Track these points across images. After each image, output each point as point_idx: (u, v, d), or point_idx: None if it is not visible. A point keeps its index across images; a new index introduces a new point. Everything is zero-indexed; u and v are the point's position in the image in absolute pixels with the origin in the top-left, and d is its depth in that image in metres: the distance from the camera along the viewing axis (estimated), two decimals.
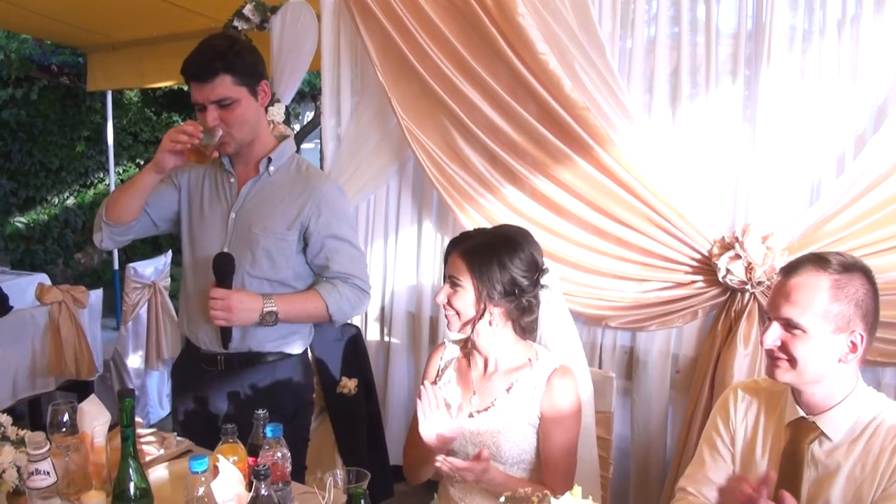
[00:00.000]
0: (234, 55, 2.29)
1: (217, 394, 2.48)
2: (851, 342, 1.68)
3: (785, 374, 1.73)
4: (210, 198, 2.50)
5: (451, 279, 2.13)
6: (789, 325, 1.70)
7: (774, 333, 1.72)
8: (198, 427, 2.44)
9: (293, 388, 2.53)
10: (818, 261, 1.71)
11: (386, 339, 3.78)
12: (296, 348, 2.54)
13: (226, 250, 2.38)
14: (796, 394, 1.78)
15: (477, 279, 2.07)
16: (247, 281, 2.39)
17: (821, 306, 1.66)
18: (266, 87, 2.41)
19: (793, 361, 1.70)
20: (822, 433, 1.74)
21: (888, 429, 1.67)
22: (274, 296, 2.35)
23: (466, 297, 2.10)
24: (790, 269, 1.75)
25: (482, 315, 2.10)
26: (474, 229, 2.29)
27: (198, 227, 2.50)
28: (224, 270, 2.28)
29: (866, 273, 1.71)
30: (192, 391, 2.54)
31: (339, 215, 2.47)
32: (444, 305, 2.15)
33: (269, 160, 2.43)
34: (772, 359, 1.75)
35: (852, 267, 1.70)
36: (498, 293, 2.07)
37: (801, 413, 1.77)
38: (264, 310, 2.31)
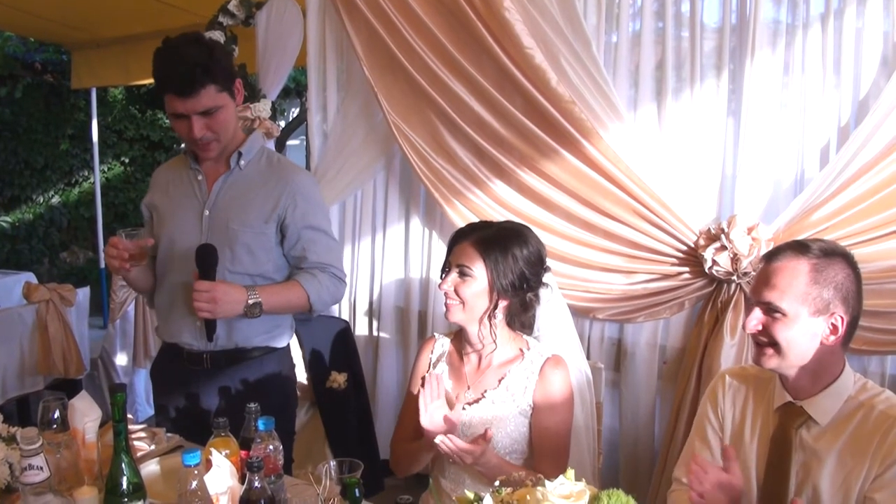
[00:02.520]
0: (214, 63, 2.25)
1: (203, 392, 2.47)
2: (832, 324, 1.71)
3: (770, 361, 1.76)
4: (180, 197, 2.48)
5: (460, 268, 2.13)
6: (770, 309, 1.73)
7: (756, 317, 1.76)
8: (185, 426, 2.43)
9: (279, 383, 2.53)
10: (798, 247, 1.76)
11: (375, 333, 3.78)
12: (280, 342, 2.54)
13: None
14: (783, 379, 1.81)
15: (492, 269, 2.09)
16: (228, 277, 2.36)
17: (799, 289, 1.70)
18: (240, 85, 2.40)
19: (776, 346, 1.73)
20: (810, 417, 1.76)
21: (877, 415, 1.69)
22: (257, 287, 2.35)
23: (475, 286, 2.11)
24: (771, 256, 1.79)
25: (496, 306, 2.12)
26: (481, 221, 2.29)
27: (171, 227, 2.46)
28: (207, 262, 2.26)
29: (847, 258, 1.74)
30: (176, 390, 2.52)
31: (314, 206, 2.48)
32: (448, 294, 2.15)
33: (240, 154, 2.42)
34: (757, 346, 1.79)
35: (832, 252, 1.74)
36: (509, 284, 2.09)
37: (789, 398, 1.80)
38: (249, 301, 2.30)
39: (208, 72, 2.22)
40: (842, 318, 1.71)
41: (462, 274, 2.12)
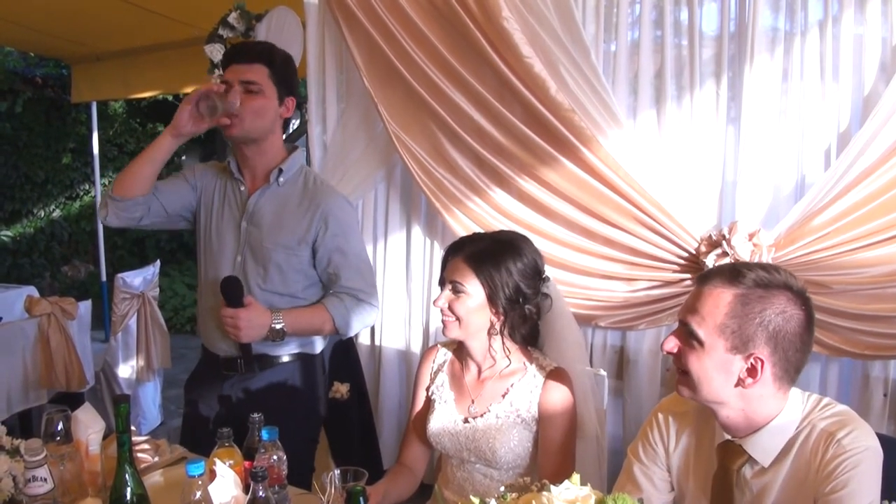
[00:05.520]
0: (279, 57, 2.46)
1: (236, 397, 2.51)
2: (751, 364, 1.55)
3: (683, 391, 1.64)
4: (221, 205, 2.53)
5: (453, 284, 2.09)
6: (688, 333, 1.59)
7: (673, 340, 1.63)
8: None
9: (310, 387, 2.59)
10: (732, 273, 1.59)
11: (377, 343, 3.78)
12: (314, 348, 2.59)
13: (238, 259, 2.45)
14: (714, 414, 1.66)
15: (487, 284, 2.05)
16: (258, 294, 2.42)
17: (718, 319, 1.55)
18: (291, 103, 2.51)
19: (687, 375, 1.60)
20: (752, 457, 1.63)
21: (818, 433, 1.56)
22: (282, 311, 2.39)
23: (469, 302, 2.07)
24: (703, 278, 1.64)
25: (505, 322, 2.09)
26: (474, 234, 2.26)
27: (211, 234, 2.53)
28: (232, 294, 2.32)
29: (791, 293, 1.56)
30: (212, 399, 2.56)
31: (346, 229, 2.51)
32: (443, 311, 2.12)
33: (280, 171, 2.47)
34: (677, 371, 1.66)
35: (770, 285, 1.55)
36: (505, 299, 2.06)
37: (727, 436, 1.67)
38: (274, 326, 2.36)
39: (268, 55, 2.43)
40: (761, 360, 1.54)
41: (455, 290, 2.09)
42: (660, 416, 1.84)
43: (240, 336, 2.33)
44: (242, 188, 2.49)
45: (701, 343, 1.57)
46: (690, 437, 1.79)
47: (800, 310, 1.55)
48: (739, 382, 1.56)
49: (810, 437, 1.57)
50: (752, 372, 1.55)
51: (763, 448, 1.61)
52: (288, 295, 2.47)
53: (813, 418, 1.60)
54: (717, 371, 1.57)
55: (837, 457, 1.51)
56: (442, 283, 2.16)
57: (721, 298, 1.56)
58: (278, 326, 2.36)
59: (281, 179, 2.47)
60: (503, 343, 2.13)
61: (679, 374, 1.64)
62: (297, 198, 2.49)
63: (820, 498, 1.52)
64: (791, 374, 1.58)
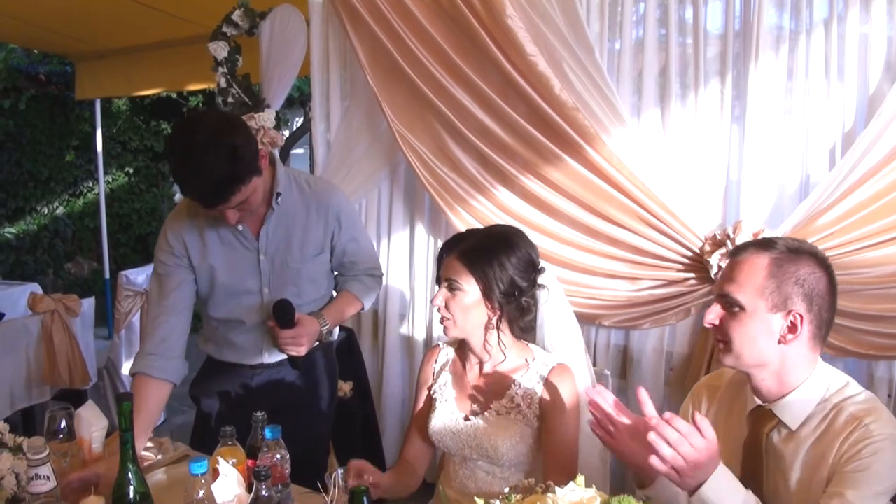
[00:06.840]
0: (237, 166, 2.10)
1: (260, 389, 2.54)
2: (791, 322, 1.66)
3: (726, 358, 1.73)
4: (224, 247, 2.43)
5: (448, 282, 2.09)
6: (728, 303, 1.70)
7: (714, 311, 1.73)
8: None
9: (332, 375, 2.69)
10: (764, 243, 1.73)
11: (380, 341, 3.78)
12: (334, 335, 2.68)
13: (266, 291, 2.44)
14: (751, 381, 1.76)
15: (481, 280, 2.05)
16: (297, 310, 2.42)
17: (757, 282, 1.66)
18: (264, 152, 2.28)
19: (729, 344, 1.70)
20: (781, 421, 1.72)
21: (846, 417, 1.64)
22: (323, 312, 2.52)
23: (466, 299, 2.07)
24: (736, 251, 1.78)
25: (500, 316, 2.09)
26: (467, 230, 2.25)
27: (226, 276, 2.43)
28: (287, 316, 2.37)
29: (817, 258, 1.69)
30: (226, 397, 2.56)
31: (354, 220, 2.62)
32: (441, 310, 2.12)
33: (278, 194, 2.38)
34: (717, 342, 1.77)
35: (799, 250, 1.69)
36: (501, 294, 2.06)
37: (759, 401, 1.76)
38: (323, 330, 2.49)
39: (233, 180, 2.11)
40: (800, 315, 1.65)
41: (451, 288, 2.09)
42: (695, 389, 2.01)
43: (301, 351, 2.40)
44: (241, 227, 2.38)
45: (743, 308, 1.68)
46: (721, 406, 1.91)
47: (825, 273, 1.68)
48: (781, 339, 1.67)
49: (838, 417, 1.66)
50: (792, 328, 1.66)
51: (791, 411, 1.71)
52: (320, 298, 2.56)
53: (843, 401, 1.68)
54: (760, 332, 1.68)
55: (863, 440, 1.60)
56: (438, 282, 2.16)
57: (757, 263, 1.68)
58: (325, 328, 2.49)
59: (280, 199, 2.40)
60: (499, 338, 2.13)
61: (721, 345, 1.74)
62: (302, 207, 2.45)
63: (837, 472, 1.61)
64: (823, 333, 1.70)
